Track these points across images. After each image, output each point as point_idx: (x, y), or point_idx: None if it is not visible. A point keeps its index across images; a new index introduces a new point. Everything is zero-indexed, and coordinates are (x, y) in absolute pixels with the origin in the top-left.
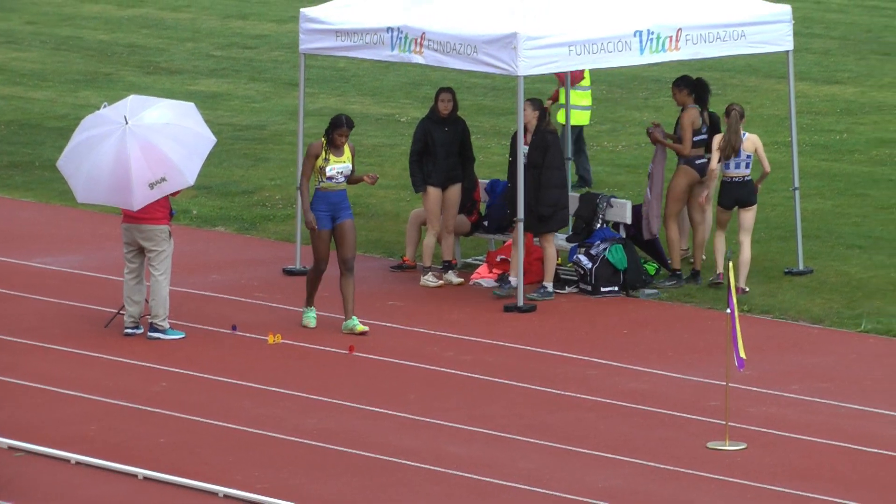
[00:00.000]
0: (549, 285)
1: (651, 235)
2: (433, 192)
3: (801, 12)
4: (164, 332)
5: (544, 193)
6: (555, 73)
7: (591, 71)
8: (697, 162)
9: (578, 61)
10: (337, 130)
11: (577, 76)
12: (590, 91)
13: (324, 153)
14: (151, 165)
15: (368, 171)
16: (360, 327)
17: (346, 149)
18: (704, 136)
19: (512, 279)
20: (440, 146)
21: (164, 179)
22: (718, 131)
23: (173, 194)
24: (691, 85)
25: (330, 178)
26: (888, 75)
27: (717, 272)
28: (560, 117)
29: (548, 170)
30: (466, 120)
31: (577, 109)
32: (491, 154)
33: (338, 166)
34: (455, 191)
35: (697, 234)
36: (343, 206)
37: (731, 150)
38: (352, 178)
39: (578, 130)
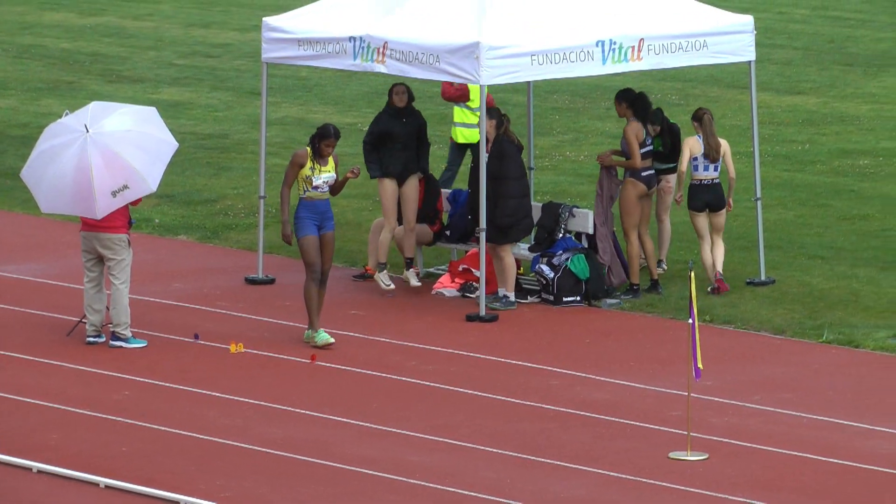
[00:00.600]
0: (511, 294)
1: (603, 262)
2: (389, 185)
3: (763, 23)
4: (126, 340)
5: (502, 203)
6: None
7: (553, 80)
8: (644, 174)
9: (541, 71)
10: (325, 140)
11: (464, 95)
12: (477, 112)
13: (310, 162)
14: (113, 173)
15: (346, 171)
16: (326, 340)
17: (331, 158)
18: (649, 148)
19: (508, 293)
20: (398, 138)
21: (126, 187)
22: (678, 140)
23: (135, 202)
24: (630, 98)
25: (316, 188)
26: (850, 86)
27: (715, 280)
28: (455, 135)
29: (505, 180)
30: (429, 131)
31: (464, 127)
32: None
33: (324, 175)
34: (412, 184)
35: (649, 245)
36: (328, 215)
37: (714, 153)
38: (335, 187)
39: (465, 148)
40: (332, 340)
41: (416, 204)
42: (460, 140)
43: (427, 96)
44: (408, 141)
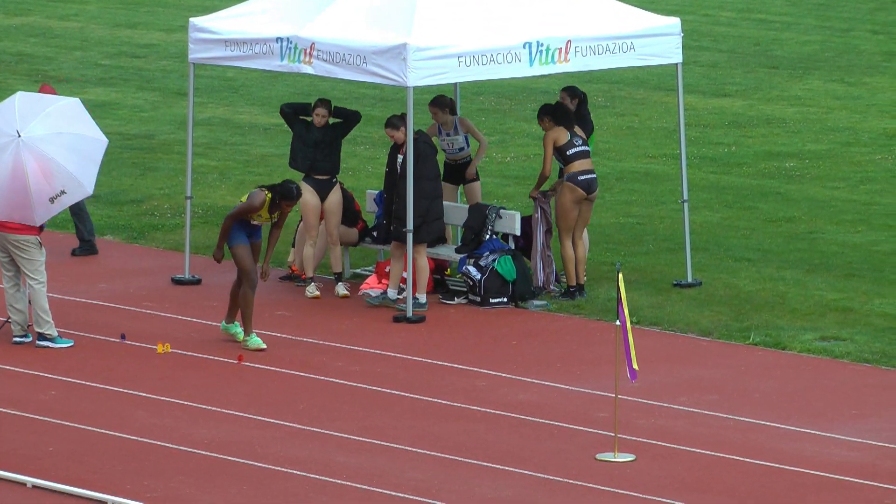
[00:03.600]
0: (422, 297)
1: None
2: (311, 200)
3: (689, 25)
4: (52, 340)
5: (416, 204)
6: None
7: (480, 82)
8: (580, 178)
9: (468, 72)
10: (286, 201)
11: None
12: None
13: (262, 212)
14: (49, 179)
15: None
16: (258, 344)
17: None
18: (581, 148)
19: (390, 292)
20: (311, 134)
21: (63, 192)
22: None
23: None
24: (550, 112)
25: (252, 222)
26: (776, 88)
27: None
28: None
29: (420, 180)
30: (355, 131)
31: None
32: (379, 165)
33: (263, 223)
34: (334, 199)
35: (579, 251)
36: (258, 230)
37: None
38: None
39: None
40: (265, 346)
41: (339, 219)
42: None
43: (354, 98)
44: (318, 141)
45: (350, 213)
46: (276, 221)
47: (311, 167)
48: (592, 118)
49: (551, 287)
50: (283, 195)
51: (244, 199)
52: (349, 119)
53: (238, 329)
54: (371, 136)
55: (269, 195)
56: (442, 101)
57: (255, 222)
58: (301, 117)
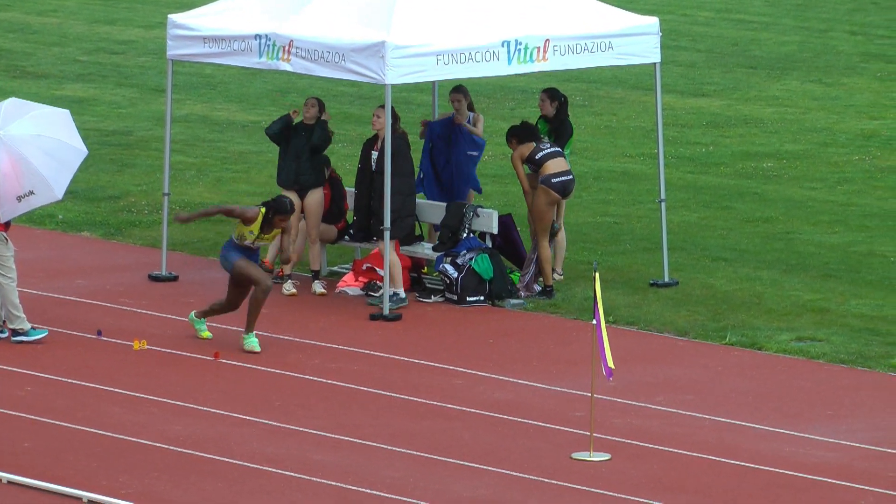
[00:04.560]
0: (401, 291)
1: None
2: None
3: (668, 25)
4: (26, 333)
5: (391, 200)
6: None
7: (458, 80)
8: (554, 181)
9: (446, 71)
10: (280, 216)
11: None
12: None
13: (254, 227)
14: (20, 178)
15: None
16: (254, 346)
17: (277, 230)
18: (550, 150)
19: (400, 290)
20: (290, 149)
21: (32, 193)
22: (562, 134)
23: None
24: (518, 134)
25: (247, 244)
26: (754, 88)
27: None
28: None
29: (395, 176)
30: (334, 128)
31: None
32: (357, 162)
33: (259, 243)
34: (315, 197)
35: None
36: (255, 255)
37: None
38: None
39: None
40: (258, 350)
41: (319, 217)
42: None
43: (332, 95)
44: (300, 153)
45: (336, 210)
46: (282, 233)
47: (296, 181)
48: (571, 119)
49: (534, 287)
50: (277, 209)
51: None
52: (321, 145)
53: (254, 340)
54: (349, 134)
55: (263, 210)
56: (465, 91)
57: (246, 242)
58: (286, 128)
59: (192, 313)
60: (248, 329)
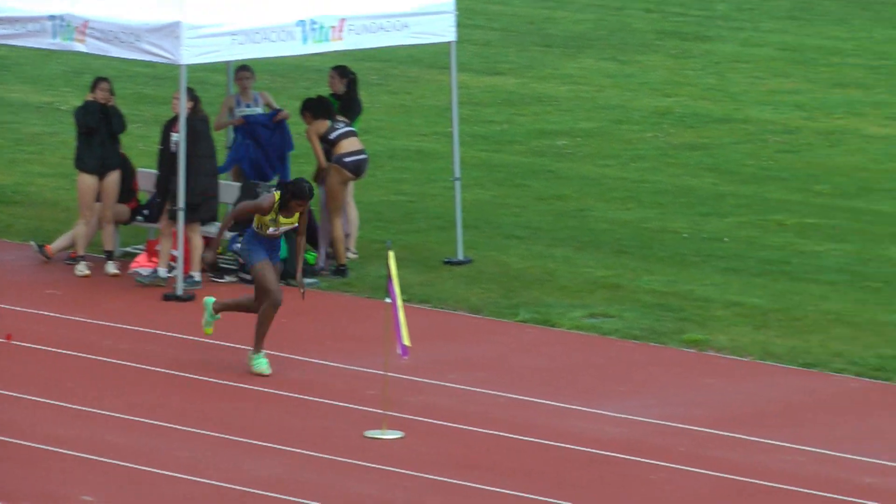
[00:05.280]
0: (197, 274)
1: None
2: (88, 179)
3: (463, 3)
4: None
5: (193, 182)
6: None
7: (254, 60)
8: (347, 160)
9: (241, 51)
10: (296, 201)
11: None
12: None
13: (273, 214)
14: None
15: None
16: (263, 369)
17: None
18: (344, 130)
19: (160, 270)
20: (95, 134)
21: None
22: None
23: None
24: (312, 108)
25: (272, 233)
26: (549, 66)
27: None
28: None
29: (197, 158)
30: (127, 109)
31: None
32: (151, 143)
33: (283, 227)
34: (113, 178)
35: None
36: (278, 246)
37: None
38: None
39: None
40: (268, 373)
41: (116, 198)
42: None
43: (127, 76)
44: (105, 137)
45: (126, 189)
46: (298, 227)
47: (102, 164)
48: (364, 97)
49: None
50: (295, 193)
51: None
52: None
53: (264, 361)
54: (143, 115)
55: (279, 195)
56: (252, 70)
57: (270, 231)
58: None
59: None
60: (257, 348)
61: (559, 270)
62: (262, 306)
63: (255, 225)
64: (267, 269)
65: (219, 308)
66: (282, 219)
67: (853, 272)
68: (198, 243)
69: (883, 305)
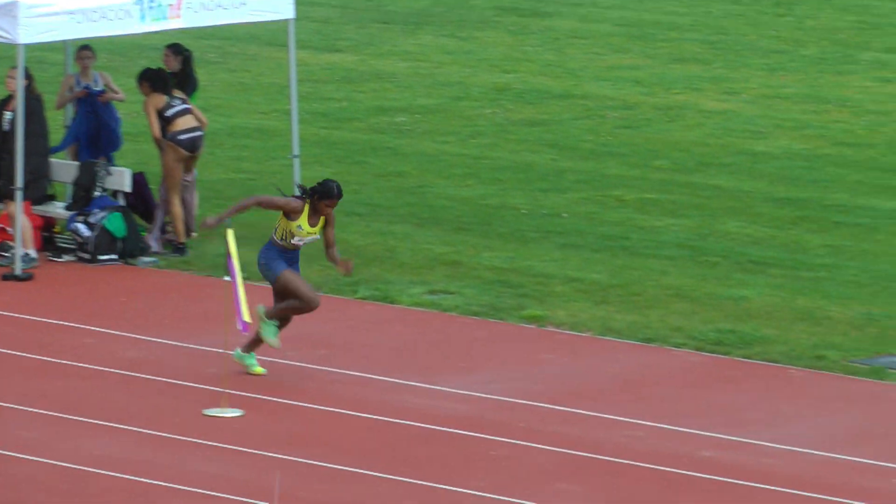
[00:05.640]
0: (33, 251)
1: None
2: None
3: None
4: None
5: (25, 161)
6: None
7: (92, 38)
8: (181, 137)
9: (80, 29)
10: (325, 201)
11: None
12: None
13: (302, 220)
14: None
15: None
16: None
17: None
18: (181, 108)
19: (31, 251)
20: None
21: None
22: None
23: None
24: (151, 79)
25: (295, 243)
26: (387, 44)
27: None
28: None
29: (30, 137)
30: None
31: None
32: None
33: (308, 238)
34: None
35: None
36: (297, 259)
37: None
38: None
39: None
40: (264, 371)
41: None
42: None
43: None
44: None
45: None
46: (326, 225)
47: None
48: (203, 75)
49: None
50: (323, 194)
51: None
52: None
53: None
54: None
55: (308, 198)
56: (93, 49)
57: (295, 240)
58: None
59: (263, 312)
60: (269, 315)
61: (399, 247)
62: (293, 302)
63: (277, 236)
64: (293, 276)
65: (271, 314)
66: (307, 227)
67: (692, 247)
68: (25, 222)
69: (721, 280)
